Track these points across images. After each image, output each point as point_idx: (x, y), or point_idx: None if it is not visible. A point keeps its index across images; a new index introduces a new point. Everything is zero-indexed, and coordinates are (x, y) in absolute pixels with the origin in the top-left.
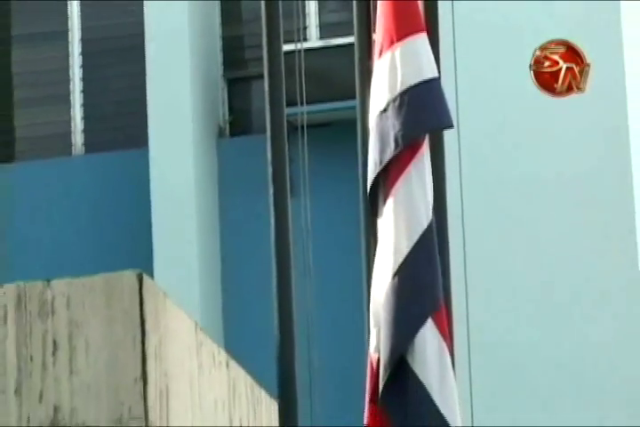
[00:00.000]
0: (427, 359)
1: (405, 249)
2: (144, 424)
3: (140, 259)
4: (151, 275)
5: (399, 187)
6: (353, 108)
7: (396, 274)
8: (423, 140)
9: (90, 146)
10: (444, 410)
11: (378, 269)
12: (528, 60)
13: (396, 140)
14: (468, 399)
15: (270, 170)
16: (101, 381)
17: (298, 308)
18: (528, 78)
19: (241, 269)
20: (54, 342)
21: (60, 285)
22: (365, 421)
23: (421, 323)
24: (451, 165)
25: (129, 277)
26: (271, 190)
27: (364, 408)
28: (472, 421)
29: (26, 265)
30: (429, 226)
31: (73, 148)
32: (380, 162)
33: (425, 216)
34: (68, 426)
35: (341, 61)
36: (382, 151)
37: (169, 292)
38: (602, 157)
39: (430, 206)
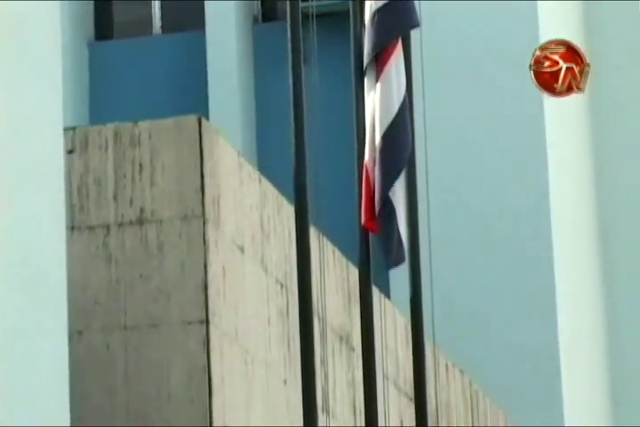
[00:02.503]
0: (399, 199)
1: (395, 109)
2: (202, 220)
3: (200, 108)
4: (207, 119)
5: (387, 71)
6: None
7: (388, 129)
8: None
9: (165, 29)
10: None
11: (372, 125)
12: None
13: (388, 34)
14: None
15: (290, 45)
16: (172, 190)
17: (309, 137)
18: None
19: (269, 115)
20: (140, 164)
21: (144, 124)
22: (363, 221)
23: (403, 166)
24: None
25: (192, 119)
26: (290, 60)
27: (356, 210)
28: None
29: (122, 111)
30: (404, 99)
31: (153, 29)
32: (374, 49)
33: (401, 92)
34: (149, 221)
35: None
36: (378, 40)
37: (220, 130)
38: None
39: (404, 86)
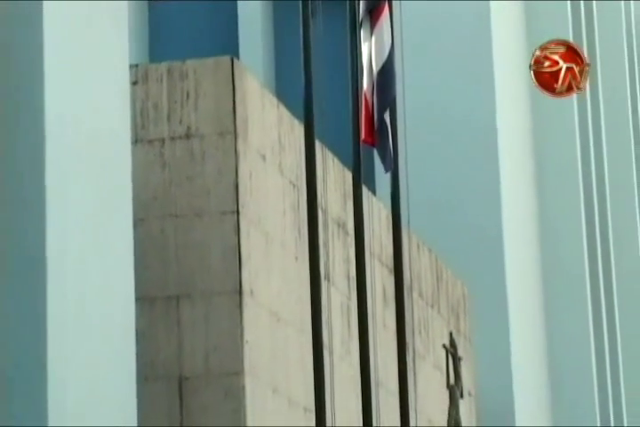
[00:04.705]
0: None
1: (386, 52)
2: (234, 135)
3: (232, 50)
4: (238, 58)
5: (379, 25)
6: None
7: (382, 68)
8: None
9: None
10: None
11: (369, 64)
12: None
13: None
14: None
15: (301, 3)
16: (211, 112)
17: (316, 72)
18: None
19: (285, 54)
20: (187, 93)
21: (191, 63)
22: (363, 136)
23: (394, 96)
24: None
25: (226, 59)
26: (301, 13)
27: (351, 128)
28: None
29: (173, 52)
30: (392, 47)
31: None
32: (367, 7)
33: (389, 42)
34: (194, 136)
35: None
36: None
37: (247, 67)
38: None
39: (391, 38)
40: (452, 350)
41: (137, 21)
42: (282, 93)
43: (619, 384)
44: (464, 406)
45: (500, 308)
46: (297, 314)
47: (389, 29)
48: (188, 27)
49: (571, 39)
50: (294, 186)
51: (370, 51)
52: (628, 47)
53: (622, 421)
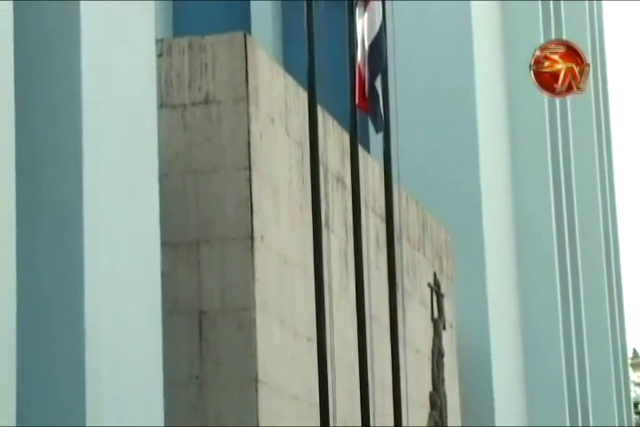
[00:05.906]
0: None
1: (377, 28)
2: (246, 102)
3: (245, 27)
4: (250, 34)
5: (371, 5)
6: None
7: (373, 41)
8: None
9: None
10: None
11: (362, 39)
12: None
13: None
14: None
15: None
16: (226, 81)
17: (318, 46)
18: None
19: (291, 30)
20: (205, 64)
21: (209, 37)
22: (357, 101)
23: (383, 65)
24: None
25: (240, 34)
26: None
27: (349, 95)
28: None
29: (194, 28)
30: (382, 23)
31: None
32: None
33: (379, 19)
34: (212, 102)
35: None
36: None
37: (258, 41)
38: None
39: (381, 15)
40: (435, 288)
41: (162, 1)
42: (288, 64)
43: (580, 310)
44: (446, 337)
45: (477, 252)
46: (301, 257)
47: (380, 9)
48: (207, 6)
49: (541, 35)
50: (299, 145)
51: (363, 27)
52: (591, 45)
53: (582, 328)
